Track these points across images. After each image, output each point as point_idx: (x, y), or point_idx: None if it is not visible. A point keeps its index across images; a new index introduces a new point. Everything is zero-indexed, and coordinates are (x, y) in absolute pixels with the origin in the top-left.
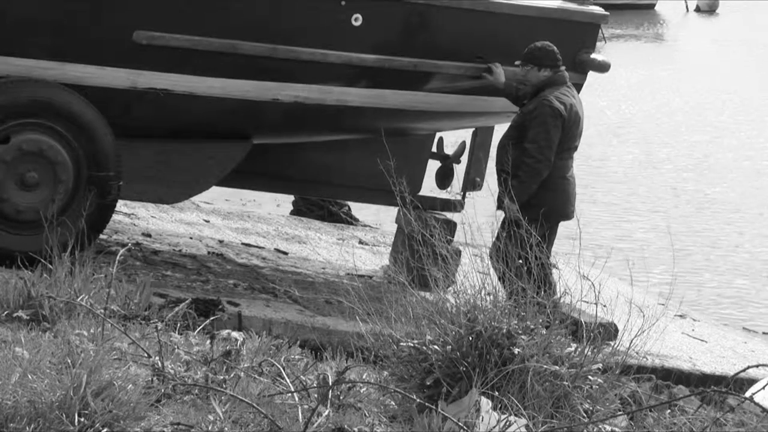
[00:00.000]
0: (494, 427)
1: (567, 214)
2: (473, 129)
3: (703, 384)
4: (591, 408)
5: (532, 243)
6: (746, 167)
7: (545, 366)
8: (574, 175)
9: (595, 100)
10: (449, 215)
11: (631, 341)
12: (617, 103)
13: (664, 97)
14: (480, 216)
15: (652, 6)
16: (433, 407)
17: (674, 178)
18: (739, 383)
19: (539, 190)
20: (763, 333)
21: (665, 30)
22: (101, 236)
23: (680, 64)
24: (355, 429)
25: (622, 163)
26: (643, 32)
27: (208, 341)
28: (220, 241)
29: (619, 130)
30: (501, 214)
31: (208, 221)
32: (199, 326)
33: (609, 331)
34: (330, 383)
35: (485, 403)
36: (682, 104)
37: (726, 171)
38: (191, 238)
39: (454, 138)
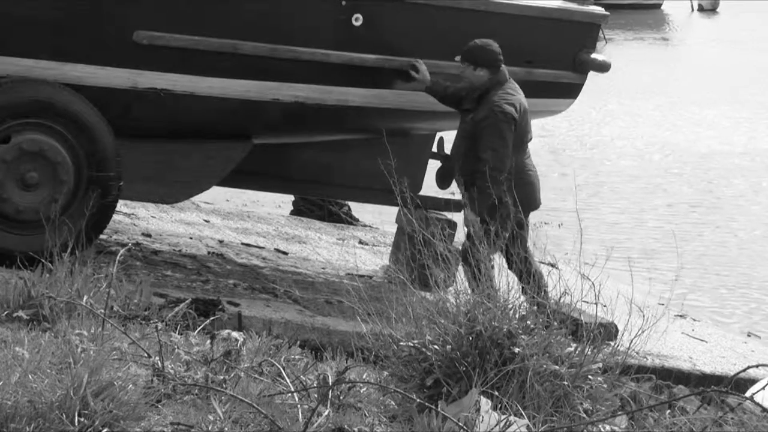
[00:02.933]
0: (494, 427)
1: (535, 203)
2: None
3: (703, 384)
4: (591, 408)
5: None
6: (755, 168)
7: (545, 366)
8: (534, 164)
9: (598, 101)
10: (450, 215)
11: (631, 341)
12: (620, 105)
13: (667, 98)
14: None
15: (658, 6)
16: (433, 407)
17: (676, 179)
18: (739, 383)
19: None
20: (749, 334)
21: (672, 30)
22: (101, 236)
23: (686, 64)
24: (355, 429)
25: (625, 163)
26: (649, 33)
27: (208, 341)
28: (220, 241)
29: (624, 130)
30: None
31: (208, 221)
32: (199, 326)
33: (609, 331)
34: (330, 383)
35: (485, 403)
36: (686, 105)
37: (732, 172)
38: (191, 238)
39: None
